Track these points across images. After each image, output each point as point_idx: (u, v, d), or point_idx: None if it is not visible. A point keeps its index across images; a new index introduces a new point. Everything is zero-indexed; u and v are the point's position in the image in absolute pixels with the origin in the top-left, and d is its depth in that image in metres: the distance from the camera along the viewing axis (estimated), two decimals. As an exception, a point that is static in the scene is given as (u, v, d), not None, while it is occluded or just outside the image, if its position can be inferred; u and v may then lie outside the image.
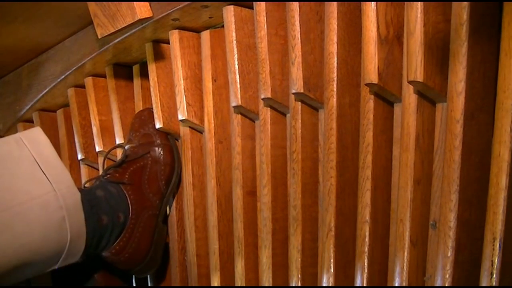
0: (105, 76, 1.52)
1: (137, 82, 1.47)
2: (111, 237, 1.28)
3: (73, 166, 1.62)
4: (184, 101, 1.33)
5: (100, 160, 1.53)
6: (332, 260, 1.09)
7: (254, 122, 1.27)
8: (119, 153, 1.49)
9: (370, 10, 1.02)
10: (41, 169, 1.16)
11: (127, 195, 1.31)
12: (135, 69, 1.48)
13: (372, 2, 1.02)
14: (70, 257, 1.19)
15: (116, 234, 1.29)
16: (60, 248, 1.16)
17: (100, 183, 1.32)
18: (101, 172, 1.38)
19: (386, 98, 1.07)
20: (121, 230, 1.30)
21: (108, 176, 1.33)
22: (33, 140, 1.19)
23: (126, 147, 1.39)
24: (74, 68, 1.51)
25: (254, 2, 1.20)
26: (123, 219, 1.30)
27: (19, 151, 1.17)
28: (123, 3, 1.28)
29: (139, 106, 1.45)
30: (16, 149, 1.17)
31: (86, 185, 1.39)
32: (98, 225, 1.24)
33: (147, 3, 1.29)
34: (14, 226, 1.10)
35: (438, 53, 0.98)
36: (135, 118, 1.42)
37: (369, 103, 1.06)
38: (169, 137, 1.39)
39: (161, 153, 1.36)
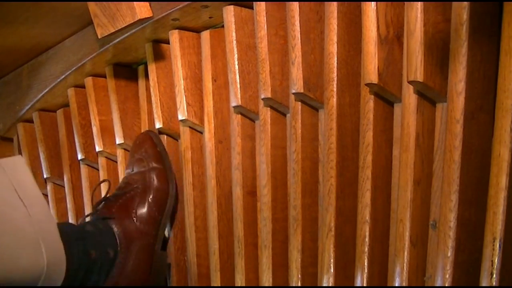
0: (105, 76, 1.52)
1: (141, 83, 1.47)
2: (101, 273, 1.26)
3: (73, 166, 1.62)
4: (184, 101, 1.33)
5: (100, 160, 1.53)
6: (332, 260, 1.09)
7: (254, 122, 1.27)
8: (118, 153, 1.49)
9: (370, 10, 1.02)
10: (18, 195, 1.16)
11: (114, 230, 1.29)
12: (140, 70, 1.48)
13: (372, 2, 1.02)
14: (50, 282, 1.18)
15: (107, 269, 1.27)
16: (37, 270, 1.14)
17: (91, 220, 1.32)
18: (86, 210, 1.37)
19: (386, 98, 1.07)
20: (112, 265, 1.28)
21: (98, 212, 1.32)
22: (13, 168, 1.19)
23: (127, 170, 1.38)
24: (74, 68, 1.51)
25: (254, 2, 1.20)
26: (112, 254, 1.28)
27: None
28: (123, 3, 1.29)
29: (143, 106, 1.45)
30: None
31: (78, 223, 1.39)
32: (85, 258, 1.23)
33: (147, 3, 1.29)
34: None
35: (438, 53, 0.98)
36: (133, 142, 1.41)
37: (369, 103, 1.06)
38: (164, 158, 1.36)
39: (153, 178, 1.34)
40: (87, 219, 1.37)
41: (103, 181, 1.41)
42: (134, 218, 1.31)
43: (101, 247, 1.27)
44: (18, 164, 1.20)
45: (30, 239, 1.13)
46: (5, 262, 1.09)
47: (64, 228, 1.23)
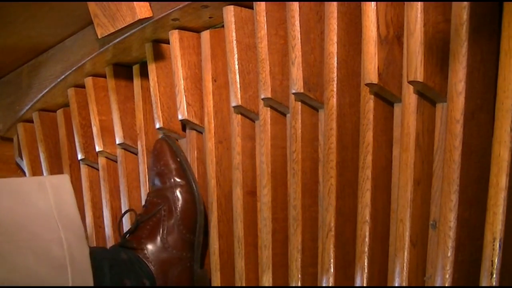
0: (105, 76, 1.52)
1: (137, 82, 1.47)
2: None
3: (73, 166, 1.62)
4: (184, 101, 1.33)
5: (100, 160, 1.53)
6: (332, 260, 1.09)
7: (254, 122, 1.27)
8: (118, 153, 1.49)
9: (370, 10, 1.02)
10: (55, 216, 1.14)
11: (147, 262, 1.25)
12: (135, 69, 1.48)
13: (372, 2, 1.02)
14: None
15: None
16: None
17: (124, 247, 1.28)
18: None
19: (386, 98, 1.07)
20: None
21: (127, 242, 1.28)
22: (56, 187, 1.16)
23: (150, 184, 1.33)
24: (74, 68, 1.51)
25: (254, 2, 1.20)
26: (148, 284, 1.24)
27: (39, 194, 1.14)
28: (123, 3, 1.28)
29: (139, 106, 1.45)
30: (36, 191, 1.14)
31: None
32: (119, 287, 1.20)
33: (147, 3, 1.29)
34: (16, 258, 1.08)
35: (438, 53, 0.98)
36: (151, 152, 1.35)
37: (369, 103, 1.06)
38: (186, 169, 1.30)
39: (178, 196, 1.28)
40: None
41: (128, 210, 1.36)
42: (166, 246, 1.26)
43: (136, 276, 1.23)
44: (62, 182, 1.18)
45: (56, 262, 1.10)
46: (28, 281, 1.08)
47: (97, 254, 1.21)
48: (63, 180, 1.19)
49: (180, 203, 1.28)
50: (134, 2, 1.28)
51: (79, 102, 1.58)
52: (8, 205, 1.11)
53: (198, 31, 1.35)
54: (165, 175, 1.30)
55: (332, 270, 1.09)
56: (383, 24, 1.03)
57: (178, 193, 1.28)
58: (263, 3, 1.18)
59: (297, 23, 1.13)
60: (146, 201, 1.33)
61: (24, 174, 1.75)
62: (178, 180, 1.30)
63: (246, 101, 1.24)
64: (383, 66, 1.03)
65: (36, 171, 1.69)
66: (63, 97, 1.62)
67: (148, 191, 1.41)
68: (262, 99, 1.20)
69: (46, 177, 1.19)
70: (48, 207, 1.14)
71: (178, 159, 1.31)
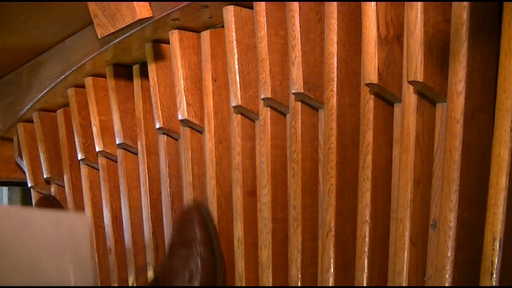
0: (105, 76, 1.52)
1: (137, 82, 1.47)
2: None
3: (73, 166, 1.62)
4: (184, 101, 1.33)
5: (100, 160, 1.53)
6: (332, 260, 1.09)
7: (254, 122, 1.27)
8: (118, 153, 1.49)
9: (370, 10, 1.02)
10: (69, 256, 1.10)
11: None
12: (135, 69, 1.48)
13: (372, 2, 1.02)
14: None
15: None
16: None
17: None
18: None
19: (386, 98, 1.07)
20: None
21: None
22: (75, 226, 1.14)
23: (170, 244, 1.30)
24: (74, 68, 1.51)
25: (254, 2, 1.20)
26: None
27: (56, 232, 1.12)
28: (123, 3, 1.28)
29: (139, 106, 1.45)
30: (53, 229, 1.12)
31: None
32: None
33: (147, 3, 1.29)
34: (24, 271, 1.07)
35: (438, 53, 0.98)
36: (180, 215, 1.31)
37: (369, 103, 1.06)
38: (214, 242, 1.28)
39: (200, 268, 1.25)
40: None
41: (145, 265, 1.34)
42: None
43: None
44: (81, 223, 1.16)
45: None
46: None
47: None
48: (82, 221, 1.17)
49: (201, 275, 1.25)
50: (134, 2, 1.28)
51: (79, 102, 1.58)
52: (22, 240, 1.08)
53: (198, 31, 1.35)
54: (192, 243, 1.27)
55: (332, 270, 1.09)
56: (383, 24, 1.03)
57: (201, 264, 1.26)
58: (263, 3, 1.18)
59: (297, 23, 1.13)
60: (167, 264, 1.29)
61: (24, 174, 1.75)
62: (203, 251, 1.27)
63: (246, 101, 1.24)
64: (383, 66, 1.03)
65: (36, 171, 1.70)
66: (63, 97, 1.62)
67: (148, 193, 1.41)
68: (262, 99, 1.20)
69: (65, 216, 1.16)
70: (62, 244, 1.12)
71: (208, 230, 1.28)
